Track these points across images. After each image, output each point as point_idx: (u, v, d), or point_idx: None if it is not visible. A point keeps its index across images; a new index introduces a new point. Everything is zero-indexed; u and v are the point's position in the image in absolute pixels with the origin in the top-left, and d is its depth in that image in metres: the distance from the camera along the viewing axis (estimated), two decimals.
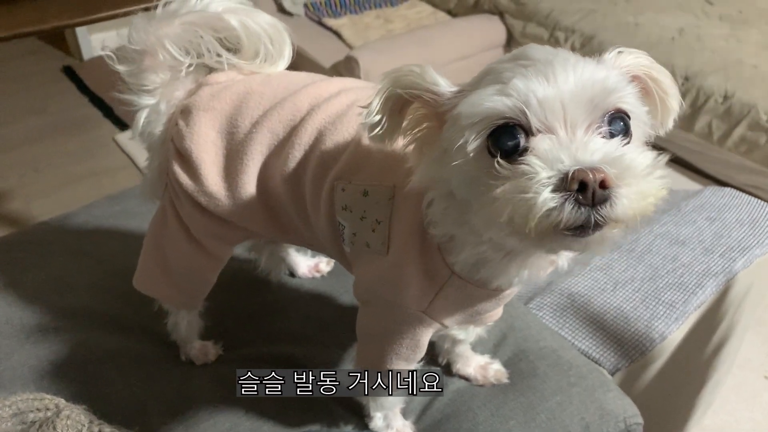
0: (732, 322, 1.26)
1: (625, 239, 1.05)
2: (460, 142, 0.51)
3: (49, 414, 0.72)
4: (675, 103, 0.59)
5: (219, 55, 0.78)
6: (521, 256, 0.60)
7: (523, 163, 0.48)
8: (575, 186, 0.46)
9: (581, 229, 0.48)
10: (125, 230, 1.16)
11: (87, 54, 3.24)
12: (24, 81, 3.09)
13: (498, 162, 0.49)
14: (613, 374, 0.97)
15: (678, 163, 2.32)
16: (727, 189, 1.35)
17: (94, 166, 2.49)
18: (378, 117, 0.56)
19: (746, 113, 2.19)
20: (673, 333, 1.02)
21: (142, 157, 2.91)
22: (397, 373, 0.75)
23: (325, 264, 1.08)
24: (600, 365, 0.97)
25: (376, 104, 0.56)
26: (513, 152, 0.50)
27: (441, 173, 0.56)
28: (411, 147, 0.60)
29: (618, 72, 0.53)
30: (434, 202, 0.61)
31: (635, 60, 0.56)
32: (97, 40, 3.19)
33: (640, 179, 0.48)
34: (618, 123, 0.51)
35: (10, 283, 1.02)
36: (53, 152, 2.57)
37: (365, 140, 0.69)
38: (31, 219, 2.20)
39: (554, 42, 2.74)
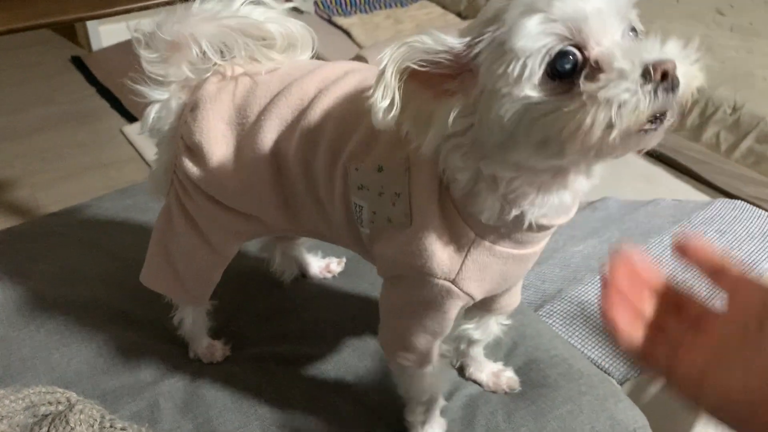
0: None
1: None
2: (523, 74, 0.53)
3: (61, 408, 0.71)
4: None
5: (253, 57, 0.78)
6: (548, 183, 0.61)
7: (606, 75, 0.51)
8: (659, 77, 0.50)
9: (658, 122, 0.52)
10: (136, 224, 1.16)
11: (96, 45, 3.23)
12: (32, 70, 3.08)
13: (581, 82, 0.52)
14: (622, 384, 0.97)
15: (685, 173, 2.32)
16: (738, 201, 1.35)
17: (100, 158, 2.48)
18: (389, 99, 0.56)
19: (755, 125, 2.19)
20: None
21: (149, 149, 2.89)
22: (423, 346, 0.75)
23: (336, 264, 1.08)
24: (609, 375, 0.97)
25: (390, 78, 0.56)
26: (573, 70, 0.53)
27: (462, 125, 0.58)
28: (408, 126, 0.60)
29: None
30: (450, 153, 0.61)
31: None
32: (106, 32, 3.19)
33: (690, 64, 0.53)
34: (635, 33, 0.57)
35: (20, 274, 1.01)
36: (60, 143, 2.57)
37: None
38: (36, 209, 2.20)
39: None
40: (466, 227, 0.65)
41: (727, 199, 1.38)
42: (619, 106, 0.50)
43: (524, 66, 0.53)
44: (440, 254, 0.66)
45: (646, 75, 0.50)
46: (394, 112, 0.57)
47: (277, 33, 0.76)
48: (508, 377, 0.89)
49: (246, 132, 0.76)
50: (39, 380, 0.84)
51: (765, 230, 1.25)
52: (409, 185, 0.66)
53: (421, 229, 0.66)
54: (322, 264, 1.08)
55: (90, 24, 3.14)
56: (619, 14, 0.54)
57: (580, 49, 0.53)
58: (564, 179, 0.61)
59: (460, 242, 0.66)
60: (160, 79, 0.78)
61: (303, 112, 0.74)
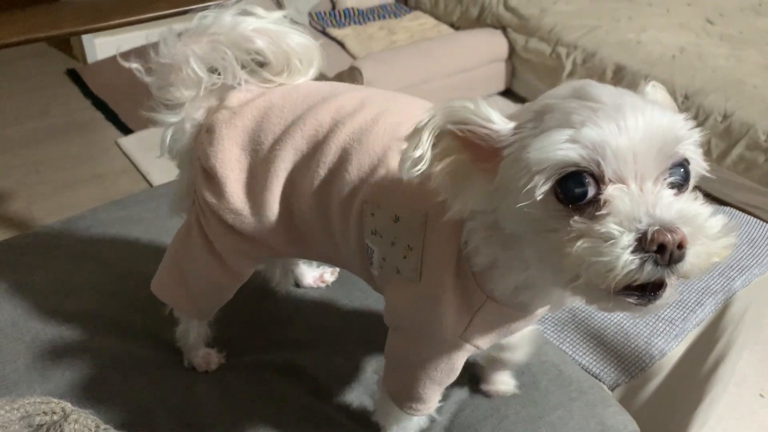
0: (730, 341, 1.27)
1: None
2: (528, 186, 0.50)
3: (56, 418, 0.72)
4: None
5: (236, 77, 0.77)
6: None
7: (599, 222, 0.48)
8: (654, 247, 0.46)
9: (646, 297, 0.48)
10: (131, 235, 1.16)
11: (91, 57, 3.25)
12: (27, 83, 3.10)
13: (574, 219, 0.49)
14: (612, 390, 0.98)
15: None
16: (727, 208, 1.37)
17: (96, 170, 2.49)
18: (422, 152, 0.54)
19: (745, 132, 2.21)
20: (672, 350, 1.03)
21: (144, 161, 2.89)
22: (430, 395, 0.75)
23: (329, 274, 1.09)
24: (600, 380, 0.98)
25: (426, 138, 0.54)
26: (581, 198, 0.50)
27: (489, 206, 0.56)
28: (441, 181, 0.58)
29: (683, 118, 0.52)
30: (475, 231, 0.60)
31: (664, 96, 0.57)
32: (101, 45, 3.21)
33: (712, 241, 0.48)
34: (679, 169, 0.51)
35: (15, 286, 1.02)
36: (55, 155, 2.58)
37: (395, 161, 0.67)
38: (31, 221, 2.20)
39: (556, 57, 2.76)
40: (478, 290, 0.65)
41: (716, 206, 1.39)
42: (589, 265, 0.47)
43: (531, 178, 0.50)
44: (450, 313, 0.66)
45: (642, 240, 0.46)
46: (423, 167, 0.55)
47: (265, 47, 0.75)
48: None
49: (260, 159, 0.76)
50: (34, 391, 0.84)
51: (753, 237, 1.27)
52: (423, 242, 0.66)
53: (434, 288, 0.66)
54: (316, 274, 1.09)
55: (85, 37, 3.15)
56: (661, 153, 0.49)
57: (597, 180, 0.49)
58: None
59: (470, 303, 0.66)
60: (169, 102, 0.78)
61: (318, 145, 0.73)
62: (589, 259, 0.47)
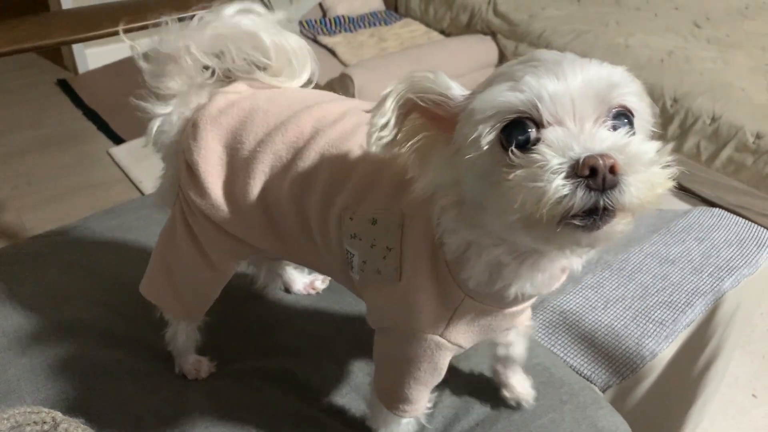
0: (720, 341, 1.28)
1: (625, 242, 1.07)
2: (473, 136, 0.53)
3: (46, 427, 0.72)
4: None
5: (243, 70, 0.79)
6: (534, 258, 0.61)
7: (535, 152, 0.50)
8: (586, 171, 0.48)
9: (591, 220, 0.49)
10: (121, 244, 1.16)
11: (82, 67, 3.25)
12: (18, 94, 3.10)
13: (512, 151, 0.51)
14: (604, 391, 0.98)
15: None
16: (716, 210, 1.38)
17: (87, 180, 2.49)
18: (386, 121, 0.57)
19: (733, 134, 2.23)
20: (663, 351, 1.03)
21: (136, 170, 2.88)
22: (417, 396, 0.76)
23: (320, 282, 1.09)
24: (591, 382, 0.98)
25: (390, 106, 0.57)
26: (524, 144, 0.51)
27: (452, 175, 0.58)
28: (409, 158, 0.61)
29: (622, 70, 0.55)
30: (445, 210, 0.62)
31: None
32: (92, 55, 3.21)
33: (647, 167, 0.50)
34: (622, 119, 0.53)
35: (5, 296, 1.02)
36: (47, 165, 2.57)
37: (369, 165, 0.70)
38: (23, 231, 2.20)
39: None
40: (456, 287, 0.66)
41: (705, 208, 1.40)
42: (526, 192, 0.49)
43: (476, 129, 0.53)
44: (428, 311, 0.67)
45: (575, 167, 0.48)
46: (388, 136, 0.57)
47: (270, 43, 0.77)
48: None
49: (240, 159, 0.77)
50: (24, 401, 0.84)
51: (742, 237, 1.28)
52: (401, 241, 0.67)
53: (411, 285, 0.67)
54: (307, 281, 1.09)
55: (76, 47, 3.16)
56: (598, 98, 0.52)
57: (538, 126, 0.52)
58: (541, 255, 0.60)
59: (448, 300, 0.67)
60: (161, 92, 0.79)
61: (299, 151, 0.74)
62: (525, 185, 0.49)
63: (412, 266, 0.66)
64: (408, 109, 0.58)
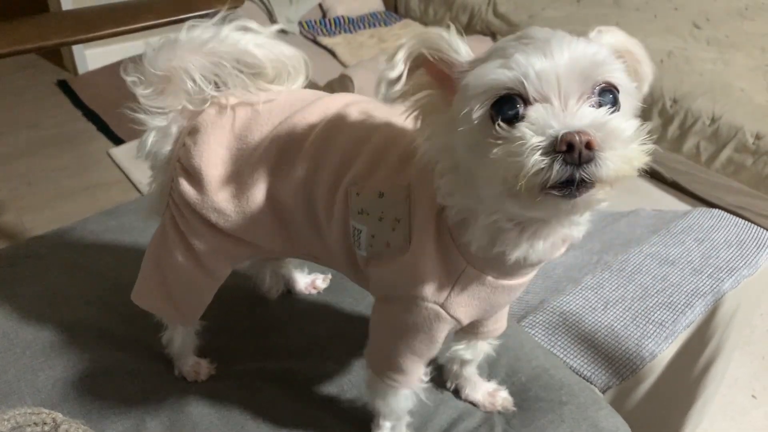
0: (720, 342, 1.28)
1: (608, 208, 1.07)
2: (465, 111, 0.56)
3: (47, 429, 0.72)
4: (647, 70, 0.63)
5: (233, 85, 0.79)
6: (535, 226, 0.62)
7: (517, 130, 0.53)
8: (563, 147, 0.51)
9: (568, 189, 0.52)
10: (120, 245, 1.16)
11: (82, 68, 3.25)
12: (18, 94, 3.09)
13: (498, 124, 0.54)
14: (604, 392, 0.98)
15: (667, 183, 2.35)
16: (716, 210, 1.38)
17: (87, 180, 2.49)
18: (398, 72, 0.59)
19: (733, 135, 2.23)
20: (663, 352, 1.04)
21: (135, 171, 2.88)
22: (410, 367, 0.76)
23: (321, 281, 1.09)
24: (591, 383, 0.98)
25: (401, 57, 0.59)
26: (512, 119, 0.54)
27: (448, 140, 0.60)
28: (413, 115, 0.63)
29: (607, 48, 0.57)
30: (442, 174, 0.64)
31: (613, 37, 0.61)
32: (91, 56, 3.21)
33: (624, 144, 0.53)
34: (607, 95, 0.56)
35: (5, 297, 1.02)
36: (46, 166, 2.57)
37: (376, 143, 0.72)
38: (23, 232, 2.20)
39: None
40: (458, 256, 0.68)
41: (705, 208, 1.40)
42: (506, 166, 0.52)
43: (468, 104, 0.56)
44: (431, 279, 0.68)
45: (554, 144, 0.51)
46: (398, 88, 0.60)
47: (266, 59, 0.77)
48: (503, 398, 0.90)
49: (246, 157, 0.77)
50: (24, 402, 0.84)
51: (742, 238, 1.28)
52: (409, 212, 0.69)
53: (417, 252, 0.68)
54: (308, 280, 1.09)
55: (75, 48, 3.16)
56: (582, 75, 0.54)
57: (525, 102, 0.54)
58: (541, 225, 0.62)
59: (451, 269, 0.68)
60: (161, 110, 0.79)
61: (305, 142, 0.75)
62: (507, 160, 0.53)
63: (418, 234, 0.68)
64: (418, 64, 0.61)
